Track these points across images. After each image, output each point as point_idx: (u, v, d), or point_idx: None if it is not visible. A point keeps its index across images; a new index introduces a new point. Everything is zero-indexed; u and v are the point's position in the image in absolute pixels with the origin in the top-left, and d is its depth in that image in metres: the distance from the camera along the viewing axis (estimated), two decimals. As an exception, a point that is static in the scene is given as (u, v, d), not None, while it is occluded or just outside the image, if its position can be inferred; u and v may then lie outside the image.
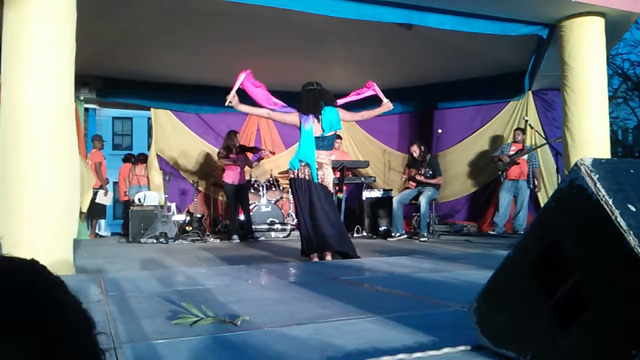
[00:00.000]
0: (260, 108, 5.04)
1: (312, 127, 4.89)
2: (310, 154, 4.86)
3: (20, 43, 3.91)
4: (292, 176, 4.94)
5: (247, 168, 8.51)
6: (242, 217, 8.18)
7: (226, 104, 4.82)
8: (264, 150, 8.87)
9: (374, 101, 5.44)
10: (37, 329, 0.65)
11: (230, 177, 8.09)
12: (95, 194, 8.97)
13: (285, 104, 5.46)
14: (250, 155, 8.50)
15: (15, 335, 0.63)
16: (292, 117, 5.00)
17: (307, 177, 4.85)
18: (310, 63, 8.52)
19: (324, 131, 4.94)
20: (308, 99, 4.93)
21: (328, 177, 4.94)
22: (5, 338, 0.63)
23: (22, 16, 3.92)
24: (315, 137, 4.89)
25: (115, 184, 10.49)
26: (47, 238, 3.87)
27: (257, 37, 7.44)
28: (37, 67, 3.92)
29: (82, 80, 8.56)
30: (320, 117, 4.92)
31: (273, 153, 9.07)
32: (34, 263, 0.75)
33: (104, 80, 9.06)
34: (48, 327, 0.66)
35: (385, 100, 5.26)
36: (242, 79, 4.96)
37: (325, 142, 4.97)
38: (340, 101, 5.28)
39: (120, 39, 7.36)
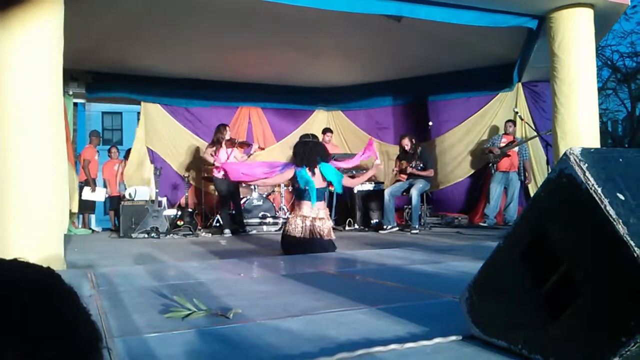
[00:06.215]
0: (255, 178, 5.16)
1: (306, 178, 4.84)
2: (308, 208, 4.83)
3: (8, 37, 3.87)
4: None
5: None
6: (233, 211, 8.15)
7: None
8: (252, 145, 8.78)
9: None
10: (52, 338, 0.65)
11: (221, 172, 8.03)
12: (80, 188, 8.87)
13: (281, 164, 5.41)
14: (241, 150, 8.46)
15: (22, 343, 0.63)
16: (287, 173, 4.96)
17: (307, 235, 4.76)
18: (301, 56, 8.50)
19: (325, 185, 4.96)
20: (303, 152, 4.91)
21: (327, 227, 4.89)
22: (6, 344, 0.62)
23: (10, 11, 3.88)
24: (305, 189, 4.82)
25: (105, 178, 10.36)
26: (38, 233, 3.85)
27: (246, 30, 7.40)
28: (25, 61, 3.88)
29: (71, 75, 8.49)
30: (314, 170, 4.88)
31: (262, 148, 8.97)
32: (50, 272, 0.75)
33: (93, 74, 8.98)
34: (66, 336, 0.67)
35: (378, 160, 5.47)
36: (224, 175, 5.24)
37: (319, 193, 4.90)
38: (341, 164, 5.36)
39: (109, 33, 7.29)
